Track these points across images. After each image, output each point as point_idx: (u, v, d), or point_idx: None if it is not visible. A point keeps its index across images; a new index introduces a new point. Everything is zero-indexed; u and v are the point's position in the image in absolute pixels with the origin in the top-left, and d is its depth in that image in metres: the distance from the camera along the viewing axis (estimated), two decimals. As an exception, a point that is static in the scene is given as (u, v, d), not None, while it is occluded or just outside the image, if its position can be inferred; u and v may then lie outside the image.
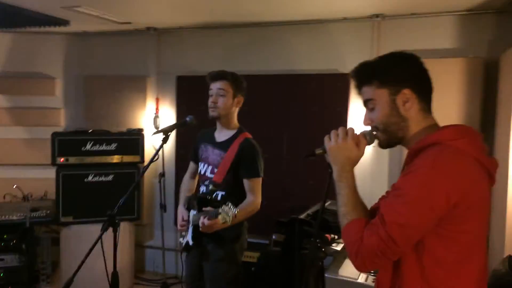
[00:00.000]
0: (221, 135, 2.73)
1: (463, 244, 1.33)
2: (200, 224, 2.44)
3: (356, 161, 1.50)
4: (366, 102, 1.49)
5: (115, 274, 2.22)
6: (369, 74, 1.47)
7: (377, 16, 3.83)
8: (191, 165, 2.96)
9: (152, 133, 2.58)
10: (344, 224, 1.41)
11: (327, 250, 2.68)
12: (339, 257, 2.63)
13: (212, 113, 2.65)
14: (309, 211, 3.22)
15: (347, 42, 4.03)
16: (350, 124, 3.90)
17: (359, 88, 1.51)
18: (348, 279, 2.35)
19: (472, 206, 1.30)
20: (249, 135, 2.70)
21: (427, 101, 1.46)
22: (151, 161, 2.40)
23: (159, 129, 3.15)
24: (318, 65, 4.12)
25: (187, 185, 2.95)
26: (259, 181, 2.65)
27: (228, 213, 2.24)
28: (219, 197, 2.65)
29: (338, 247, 2.74)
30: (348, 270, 2.44)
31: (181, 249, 2.78)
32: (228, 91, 2.62)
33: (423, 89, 1.45)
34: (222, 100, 2.62)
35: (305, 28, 4.15)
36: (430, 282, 1.32)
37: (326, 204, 3.05)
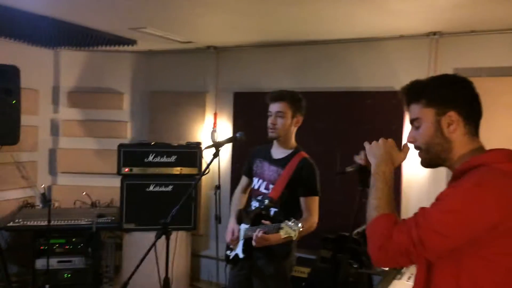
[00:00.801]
0: (278, 152, 2.77)
1: (503, 268, 1.30)
2: (254, 237, 2.48)
3: (396, 160, 1.55)
4: (412, 121, 1.52)
5: (166, 280, 2.38)
6: (418, 92, 1.50)
7: (434, 33, 3.78)
8: (244, 179, 3.02)
9: (204, 147, 2.70)
10: (374, 216, 1.42)
11: (375, 269, 2.67)
12: (387, 277, 2.62)
13: (271, 133, 2.70)
14: (359, 229, 3.22)
15: (403, 59, 4.00)
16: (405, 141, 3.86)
17: (408, 105, 1.54)
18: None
19: None
20: (306, 155, 2.73)
21: (474, 125, 1.45)
22: (203, 174, 2.56)
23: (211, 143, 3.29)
24: (374, 82, 4.12)
25: (239, 199, 3.01)
26: (316, 200, 2.67)
27: (293, 227, 2.27)
28: (271, 213, 2.67)
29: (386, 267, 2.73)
30: (394, 290, 2.43)
31: (228, 262, 2.84)
32: (287, 113, 2.66)
33: (471, 113, 1.45)
34: (281, 121, 2.66)
35: (361, 45, 4.18)
36: None
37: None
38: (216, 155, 2.54)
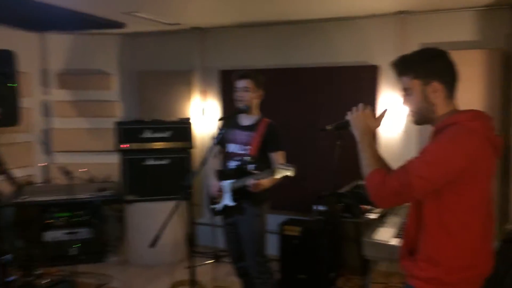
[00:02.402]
0: (246, 120, 3.31)
1: (471, 199, 1.73)
2: (251, 184, 3.03)
3: (373, 128, 1.91)
4: (404, 89, 1.87)
5: (191, 233, 2.77)
6: (406, 67, 1.80)
7: (402, 12, 4.23)
8: (215, 147, 3.45)
9: (218, 118, 3.11)
10: (368, 171, 1.77)
11: (363, 218, 3.14)
12: (373, 225, 3.08)
13: (239, 105, 3.25)
14: (347, 187, 3.70)
15: (376, 36, 4.44)
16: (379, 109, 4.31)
17: (399, 76, 1.88)
18: (382, 242, 2.79)
19: (479, 171, 1.71)
20: (269, 120, 3.29)
21: (452, 90, 1.82)
22: (216, 143, 2.97)
23: (222, 116, 3.73)
24: (349, 57, 4.54)
25: (212, 163, 3.48)
26: (282, 154, 3.24)
27: (287, 167, 2.82)
28: (251, 168, 3.20)
29: (372, 216, 3.20)
30: (381, 234, 2.89)
31: (216, 213, 3.37)
32: (251, 87, 3.22)
33: (449, 81, 1.81)
34: (247, 95, 3.22)
35: (337, 24, 4.56)
36: (447, 226, 1.74)
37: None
38: (227, 125, 2.97)
